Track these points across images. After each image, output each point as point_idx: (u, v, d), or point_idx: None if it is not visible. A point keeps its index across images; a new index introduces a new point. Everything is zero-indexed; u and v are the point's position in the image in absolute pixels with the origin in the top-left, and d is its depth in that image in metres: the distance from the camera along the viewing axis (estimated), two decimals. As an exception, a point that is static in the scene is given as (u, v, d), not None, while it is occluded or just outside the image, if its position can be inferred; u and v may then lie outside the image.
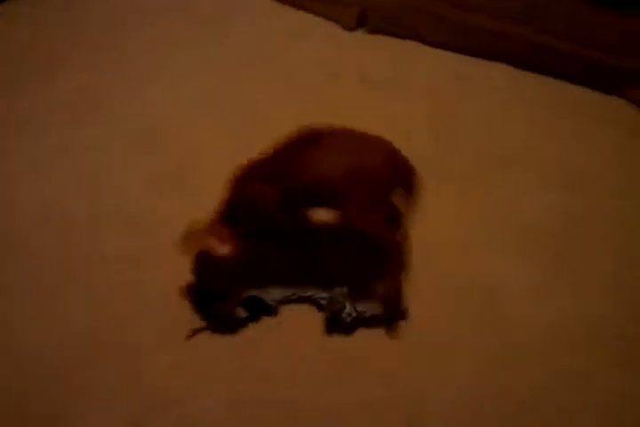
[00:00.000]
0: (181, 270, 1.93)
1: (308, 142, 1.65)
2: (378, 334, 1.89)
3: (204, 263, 1.72)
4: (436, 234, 2.13)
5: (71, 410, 1.73)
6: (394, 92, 2.50)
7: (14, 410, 1.73)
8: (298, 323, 1.90)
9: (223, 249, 1.64)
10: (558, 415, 1.74)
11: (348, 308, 1.81)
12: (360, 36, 2.67)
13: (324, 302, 1.84)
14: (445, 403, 1.77)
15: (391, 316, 1.81)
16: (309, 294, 1.85)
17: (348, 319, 1.80)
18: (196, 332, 1.82)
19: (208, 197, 1.77)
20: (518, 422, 1.74)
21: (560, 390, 1.81)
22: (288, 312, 1.93)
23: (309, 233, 1.87)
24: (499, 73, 2.58)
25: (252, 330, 1.89)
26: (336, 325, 1.81)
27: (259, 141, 1.76)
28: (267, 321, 1.90)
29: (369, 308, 1.82)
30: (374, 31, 2.68)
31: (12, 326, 1.90)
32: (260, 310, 1.86)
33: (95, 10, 2.71)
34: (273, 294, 1.85)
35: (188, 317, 1.87)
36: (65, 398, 1.76)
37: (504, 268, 2.05)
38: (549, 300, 1.99)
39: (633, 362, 1.84)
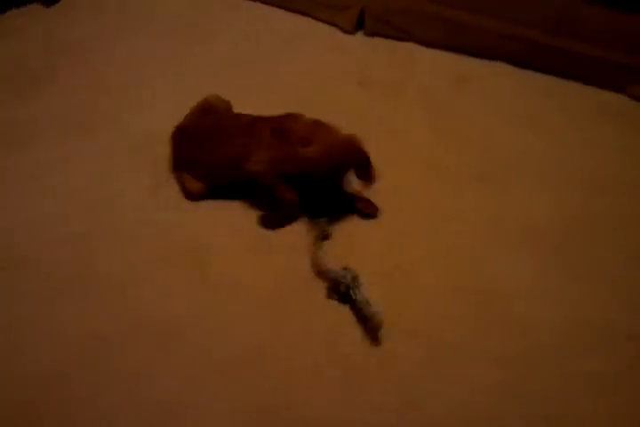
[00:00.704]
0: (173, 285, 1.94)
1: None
2: (391, 337, 1.88)
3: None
4: (446, 236, 2.12)
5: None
6: (393, 93, 2.48)
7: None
8: (308, 327, 1.90)
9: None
10: (572, 417, 1.74)
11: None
12: (358, 38, 2.66)
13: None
14: (460, 405, 1.76)
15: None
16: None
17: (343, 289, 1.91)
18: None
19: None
20: (533, 424, 1.72)
21: (573, 392, 1.80)
22: (298, 316, 1.92)
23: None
24: (499, 72, 2.56)
25: (260, 335, 1.88)
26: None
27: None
28: (277, 325, 1.90)
29: None
30: (373, 33, 2.67)
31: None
32: None
33: (76, 26, 2.71)
34: None
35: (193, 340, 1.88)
36: (61, 410, 1.75)
37: (516, 269, 2.04)
38: (561, 301, 1.98)
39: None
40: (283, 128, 2.03)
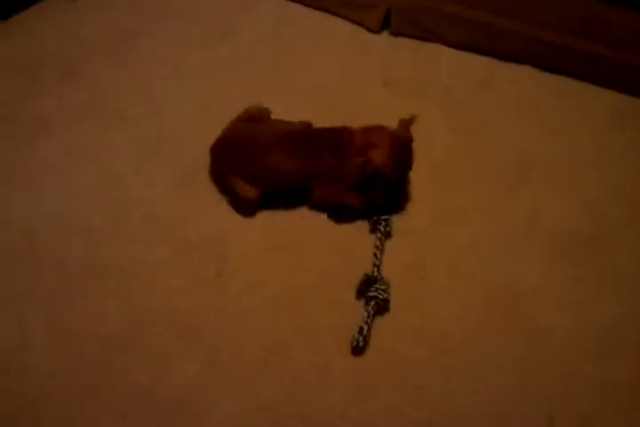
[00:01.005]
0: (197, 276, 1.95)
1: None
2: (399, 339, 1.88)
3: None
4: (453, 236, 2.11)
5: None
6: (417, 94, 2.47)
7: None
8: (326, 329, 1.90)
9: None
10: (576, 419, 1.76)
11: None
12: (384, 38, 2.65)
13: None
14: (473, 409, 1.77)
15: None
16: None
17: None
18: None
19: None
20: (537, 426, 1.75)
21: (578, 394, 1.81)
22: (311, 315, 1.93)
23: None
24: (523, 75, 2.55)
25: (273, 333, 1.88)
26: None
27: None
28: (290, 330, 1.91)
29: None
30: (398, 33, 2.66)
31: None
32: None
33: (102, 17, 2.70)
34: None
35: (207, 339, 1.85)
36: (69, 408, 1.77)
37: (522, 270, 2.07)
38: (567, 303, 2.02)
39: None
40: (342, 137, 2.04)
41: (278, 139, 2.08)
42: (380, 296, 1.89)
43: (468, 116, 2.43)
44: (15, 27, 2.63)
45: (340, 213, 2.12)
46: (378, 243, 2.02)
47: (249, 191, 2.08)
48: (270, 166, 2.06)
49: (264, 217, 2.13)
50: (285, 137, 2.08)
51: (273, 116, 2.21)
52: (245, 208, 2.12)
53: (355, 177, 2.03)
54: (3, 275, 2.00)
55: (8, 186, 2.20)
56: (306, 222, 2.13)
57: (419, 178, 2.24)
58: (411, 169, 2.09)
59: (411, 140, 2.06)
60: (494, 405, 1.79)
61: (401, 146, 2.02)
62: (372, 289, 1.90)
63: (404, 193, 2.18)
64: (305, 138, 2.09)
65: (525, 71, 2.55)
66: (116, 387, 1.80)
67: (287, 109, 2.23)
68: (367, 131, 2.03)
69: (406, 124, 2.07)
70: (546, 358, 1.89)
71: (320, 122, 2.17)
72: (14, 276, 2.00)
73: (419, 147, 2.26)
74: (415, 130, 2.29)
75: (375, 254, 2.00)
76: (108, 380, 1.82)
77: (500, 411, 1.78)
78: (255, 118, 2.19)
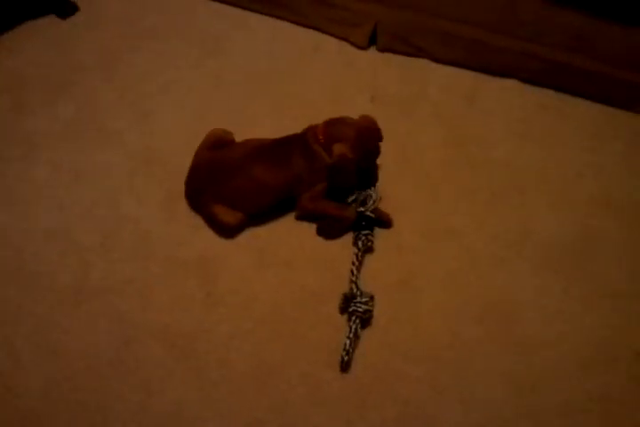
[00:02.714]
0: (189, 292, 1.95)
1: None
2: (392, 354, 1.88)
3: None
4: (451, 253, 2.12)
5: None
6: (405, 109, 2.48)
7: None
8: (316, 347, 1.90)
9: None
10: None
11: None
12: (371, 54, 2.67)
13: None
14: (461, 422, 1.80)
15: None
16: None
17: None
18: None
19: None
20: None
21: (579, 412, 1.80)
22: (303, 331, 1.93)
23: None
24: (510, 89, 2.56)
25: (266, 350, 1.88)
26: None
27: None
28: (280, 348, 1.91)
29: None
30: (385, 49, 2.67)
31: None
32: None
33: (91, 37, 2.71)
34: None
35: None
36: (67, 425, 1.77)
37: (516, 285, 2.08)
38: (562, 316, 2.02)
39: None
40: (306, 137, 2.09)
41: (250, 155, 2.10)
42: (360, 309, 1.89)
43: (457, 130, 2.44)
44: (3, 46, 2.63)
45: (327, 225, 2.12)
46: (354, 259, 2.01)
47: (231, 217, 2.09)
48: (252, 183, 2.07)
49: (251, 234, 2.14)
50: (257, 151, 2.11)
51: (262, 132, 2.21)
52: (228, 233, 2.13)
53: (325, 173, 2.06)
54: (-8, 294, 2.00)
55: (-2, 205, 2.20)
56: (293, 239, 2.13)
57: (409, 192, 2.25)
58: (379, 153, 2.12)
59: (375, 126, 2.09)
60: (487, 420, 1.79)
61: (364, 133, 2.05)
62: (352, 304, 1.91)
63: (375, 175, 2.19)
64: (276, 148, 2.12)
65: (512, 85, 2.56)
66: (106, 405, 1.80)
67: (275, 125, 2.24)
68: (328, 124, 2.08)
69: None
70: (538, 371, 1.89)
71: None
72: (3, 295, 2.00)
73: (408, 162, 2.29)
74: (405, 145, 2.31)
75: (352, 271, 1.99)
76: (98, 398, 1.82)
77: (493, 426, 1.78)
78: (219, 143, 2.20)
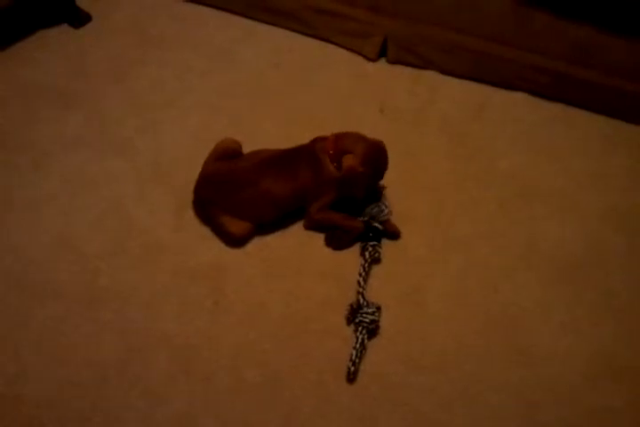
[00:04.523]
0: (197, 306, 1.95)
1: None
2: (398, 364, 1.88)
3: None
4: (457, 265, 2.12)
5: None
6: (414, 121, 2.50)
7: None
8: (324, 357, 1.91)
9: None
10: None
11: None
12: (381, 66, 2.68)
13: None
14: None
15: None
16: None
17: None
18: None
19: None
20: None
21: (585, 424, 1.80)
22: (309, 341, 1.93)
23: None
24: (521, 102, 2.57)
25: (273, 360, 1.88)
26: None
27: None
28: (287, 358, 1.91)
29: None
30: (395, 61, 2.68)
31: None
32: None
33: (102, 46, 2.73)
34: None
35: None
36: None
37: (521, 297, 2.07)
38: (566, 329, 2.01)
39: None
40: (315, 149, 2.10)
41: (259, 166, 2.11)
42: (367, 320, 1.89)
43: (465, 142, 2.45)
44: (15, 55, 2.65)
45: (335, 236, 2.13)
46: (361, 270, 2.02)
47: (239, 228, 2.10)
48: (260, 194, 2.08)
49: (260, 244, 2.15)
50: (265, 162, 2.12)
51: (271, 142, 2.22)
52: (236, 243, 2.14)
53: (334, 184, 2.07)
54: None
55: (7, 213, 2.21)
56: (302, 249, 2.14)
57: (417, 203, 2.25)
58: (386, 169, 2.12)
59: (384, 147, 2.10)
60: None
61: (373, 149, 2.06)
62: (358, 315, 1.91)
63: (380, 189, 2.21)
64: (284, 159, 2.12)
65: (521, 98, 2.57)
66: (112, 414, 1.80)
67: (285, 137, 2.24)
68: (338, 138, 2.09)
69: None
70: (544, 383, 1.88)
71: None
72: (11, 303, 2.00)
73: (416, 174, 2.29)
74: (413, 156, 2.32)
75: (359, 282, 2.00)
76: (104, 407, 1.82)
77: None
78: (228, 154, 2.21)
